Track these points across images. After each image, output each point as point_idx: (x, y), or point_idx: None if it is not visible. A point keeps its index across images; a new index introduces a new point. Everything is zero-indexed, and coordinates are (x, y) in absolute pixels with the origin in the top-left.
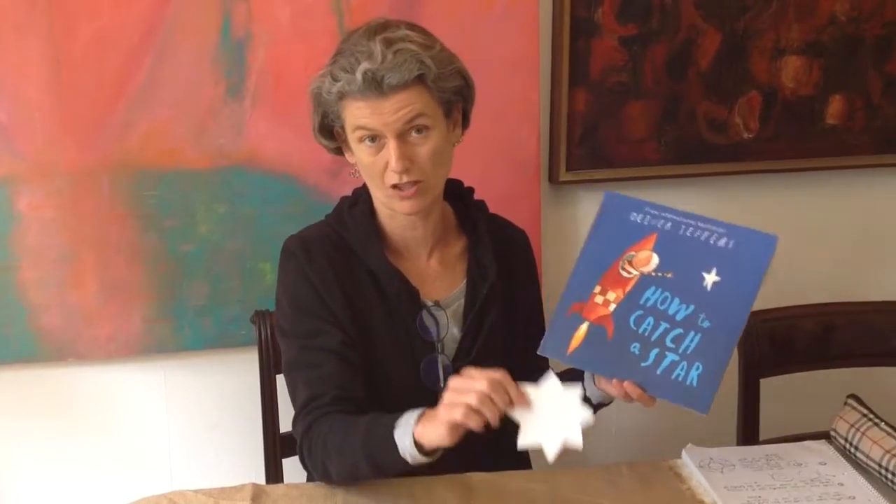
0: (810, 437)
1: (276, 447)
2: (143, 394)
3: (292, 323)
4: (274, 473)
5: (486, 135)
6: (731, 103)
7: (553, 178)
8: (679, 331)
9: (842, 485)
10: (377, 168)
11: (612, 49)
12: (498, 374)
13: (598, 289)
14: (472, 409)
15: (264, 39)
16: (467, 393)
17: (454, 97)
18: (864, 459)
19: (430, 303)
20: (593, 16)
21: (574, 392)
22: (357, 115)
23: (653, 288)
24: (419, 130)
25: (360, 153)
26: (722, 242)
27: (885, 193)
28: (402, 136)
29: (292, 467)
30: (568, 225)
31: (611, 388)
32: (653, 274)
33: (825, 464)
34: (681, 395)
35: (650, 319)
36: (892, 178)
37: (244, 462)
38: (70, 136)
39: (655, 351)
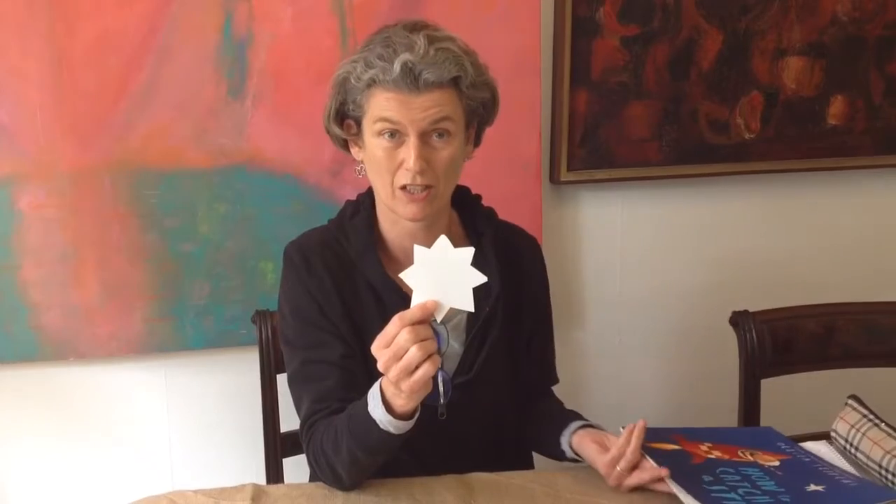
0: (811, 437)
1: (277, 447)
2: (143, 393)
3: (294, 332)
4: (274, 473)
5: (487, 134)
6: (733, 104)
7: (554, 178)
8: (757, 493)
9: None
10: (390, 166)
11: (614, 49)
12: (398, 321)
13: (709, 445)
14: (422, 363)
15: (266, 39)
16: (403, 354)
17: (480, 110)
18: (865, 460)
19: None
20: (595, 15)
21: (466, 253)
22: (384, 106)
23: (758, 469)
24: (441, 135)
25: (376, 148)
26: (846, 481)
27: (886, 194)
28: (424, 136)
29: (293, 467)
30: (569, 225)
31: (596, 455)
32: (766, 466)
33: None
34: None
35: (737, 477)
36: (893, 179)
37: (245, 461)
38: (71, 136)
39: (723, 488)
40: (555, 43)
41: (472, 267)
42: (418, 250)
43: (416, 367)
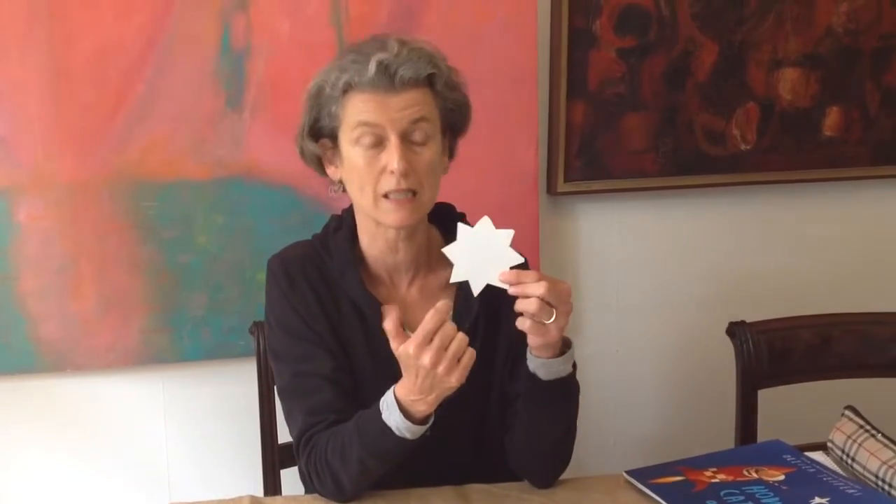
0: (807, 448)
1: (275, 458)
2: (141, 404)
3: (283, 345)
4: (272, 485)
5: (484, 146)
6: (729, 115)
7: (551, 189)
8: None
9: None
10: (372, 174)
11: (610, 60)
12: (437, 314)
13: (714, 470)
14: (458, 366)
15: (264, 51)
16: (450, 342)
17: (454, 114)
18: (862, 471)
19: (410, 334)
20: (591, 27)
21: (507, 235)
22: (361, 108)
23: (763, 487)
24: (420, 138)
25: (355, 156)
26: (850, 491)
27: (881, 205)
28: (404, 138)
29: (290, 478)
30: (566, 236)
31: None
32: (771, 482)
33: None
34: None
35: (741, 498)
36: (889, 190)
37: (242, 473)
38: (70, 148)
39: None
40: (551, 54)
41: (511, 248)
42: (462, 228)
43: (445, 374)
